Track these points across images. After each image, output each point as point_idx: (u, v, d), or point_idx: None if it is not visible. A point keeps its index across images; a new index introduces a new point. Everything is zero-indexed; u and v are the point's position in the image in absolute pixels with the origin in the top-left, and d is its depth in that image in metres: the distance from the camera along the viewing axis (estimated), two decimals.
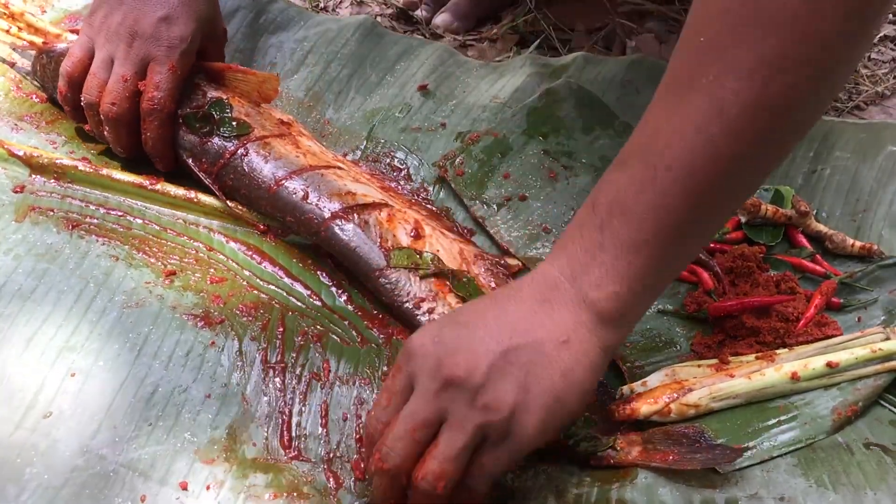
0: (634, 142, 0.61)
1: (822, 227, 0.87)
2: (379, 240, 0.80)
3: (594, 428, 0.70)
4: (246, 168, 0.84)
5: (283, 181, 0.82)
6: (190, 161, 0.86)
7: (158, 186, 0.86)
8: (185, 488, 0.66)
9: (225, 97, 0.88)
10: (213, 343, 0.75)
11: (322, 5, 1.25)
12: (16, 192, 0.85)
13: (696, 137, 0.57)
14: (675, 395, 0.71)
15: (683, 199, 0.59)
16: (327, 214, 0.81)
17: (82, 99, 0.86)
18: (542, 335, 0.61)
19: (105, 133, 0.87)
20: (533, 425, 0.59)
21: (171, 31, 0.84)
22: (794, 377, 0.72)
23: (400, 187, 0.92)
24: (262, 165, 0.84)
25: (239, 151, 0.84)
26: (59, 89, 0.88)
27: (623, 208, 0.60)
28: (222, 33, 0.95)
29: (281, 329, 0.77)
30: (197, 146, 0.86)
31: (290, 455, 0.69)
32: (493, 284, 0.80)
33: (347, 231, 0.80)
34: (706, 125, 0.57)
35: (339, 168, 0.86)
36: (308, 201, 0.81)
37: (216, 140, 0.85)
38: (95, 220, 0.84)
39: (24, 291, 0.76)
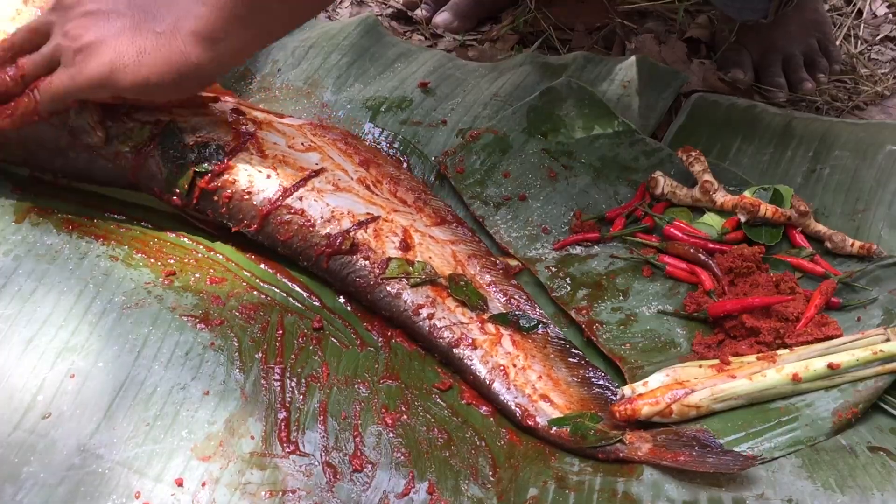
0: None
1: (821, 227, 0.87)
2: (370, 256, 0.79)
3: (601, 423, 0.71)
4: (224, 210, 0.81)
5: (265, 217, 0.80)
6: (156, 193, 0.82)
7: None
8: (180, 485, 0.66)
9: (164, 118, 0.82)
10: (212, 344, 0.75)
11: None
12: (15, 192, 0.85)
13: None
14: (677, 396, 0.71)
15: None
16: (314, 253, 0.80)
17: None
18: (146, 17, 0.74)
19: None
20: (90, 68, 0.73)
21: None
22: (796, 378, 0.72)
23: (382, 161, 0.89)
24: (239, 206, 0.81)
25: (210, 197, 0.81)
26: None
27: None
28: None
29: (280, 332, 0.77)
30: (163, 183, 0.82)
31: (288, 449, 0.69)
32: (489, 280, 0.80)
33: (340, 262, 0.79)
34: None
35: (314, 174, 0.83)
36: (292, 241, 0.80)
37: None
38: (95, 221, 0.84)
39: (23, 292, 0.76)
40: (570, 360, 0.77)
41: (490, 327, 0.77)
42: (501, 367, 0.74)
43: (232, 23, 0.73)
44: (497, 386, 0.74)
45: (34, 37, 0.77)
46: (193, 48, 0.73)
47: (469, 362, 0.75)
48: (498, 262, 0.83)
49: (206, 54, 0.74)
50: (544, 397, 0.73)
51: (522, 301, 0.80)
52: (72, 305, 0.76)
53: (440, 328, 0.76)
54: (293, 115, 0.91)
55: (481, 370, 0.74)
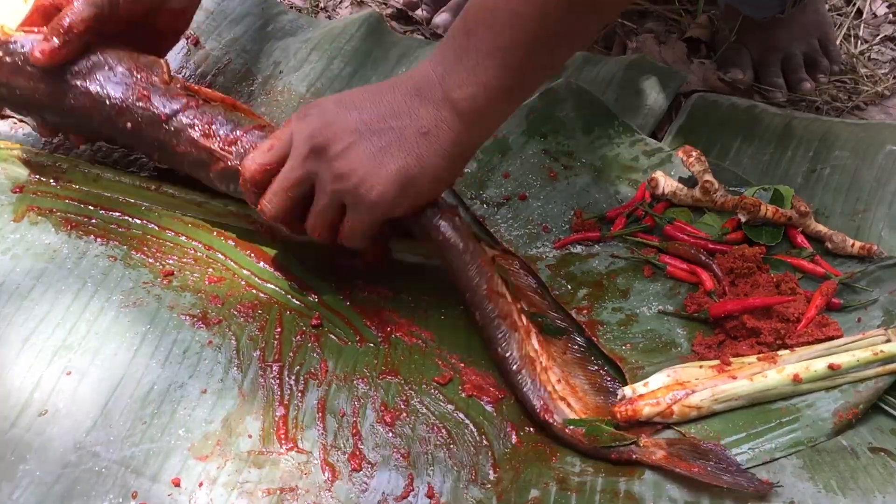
0: None
1: (821, 228, 0.87)
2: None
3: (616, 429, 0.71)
4: None
5: None
6: None
7: (155, 186, 0.86)
8: (177, 485, 0.65)
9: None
10: (210, 342, 0.75)
11: (322, 5, 1.25)
12: (15, 192, 0.84)
13: None
14: (678, 397, 0.71)
15: (539, 13, 0.67)
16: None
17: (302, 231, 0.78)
18: (406, 123, 0.71)
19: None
20: (379, 194, 0.71)
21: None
22: (796, 379, 0.72)
23: None
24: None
25: None
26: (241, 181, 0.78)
27: (487, 19, 0.69)
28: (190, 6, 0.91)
29: (279, 329, 0.77)
30: None
31: (287, 447, 0.69)
32: (522, 282, 0.82)
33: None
34: None
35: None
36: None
37: None
38: (94, 220, 0.83)
39: (21, 291, 0.76)
40: (590, 367, 0.78)
41: (525, 319, 0.77)
42: (531, 359, 0.75)
43: (497, 98, 0.71)
44: (524, 374, 0.74)
45: (297, 196, 0.73)
46: (465, 131, 0.71)
47: (508, 341, 0.75)
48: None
49: (475, 132, 0.73)
50: (563, 399, 0.73)
51: (546, 306, 0.81)
52: (69, 304, 0.76)
53: (496, 295, 0.76)
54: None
55: (515, 353, 0.75)
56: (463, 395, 0.74)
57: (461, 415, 0.73)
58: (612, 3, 0.74)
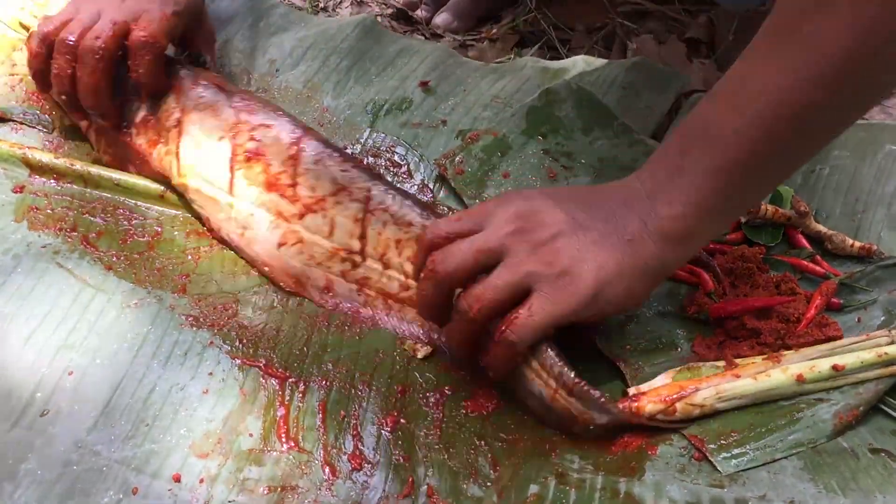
0: (727, 81, 0.66)
1: (821, 228, 0.87)
2: None
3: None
4: None
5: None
6: None
7: (159, 189, 0.86)
8: (177, 480, 0.66)
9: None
10: (211, 343, 0.75)
11: (322, 5, 1.25)
12: (15, 192, 0.85)
13: (788, 79, 0.61)
14: (681, 394, 0.71)
15: (765, 134, 0.63)
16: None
17: (60, 40, 0.84)
18: (612, 228, 0.68)
19: (67, 84, 0.85)
20: (578, 290, 0.66)
21: None
22: (800, 379, 0.72)
23: None
24: None
25: None
26: (29, 49, 0.87)
27: (706, 137, 0.65)
28: (209, 32, 0.96)
29: (280, 330, 0.77)
30: None
31: (287, 446, 0.69)
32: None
33: None
34: (801, 69, 0.61)
35: None
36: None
37: None
38: (95, 221, 0.83)
39: (23, 291, 0.76)
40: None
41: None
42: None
43: (706, 219, 0.68)
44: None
45: (483, 258, 0.67)
46: (668, 251, 0.68)
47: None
48: None
49: (679, 253, 0.70)
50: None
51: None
52: (70, 304, 0.76)
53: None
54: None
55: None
56: (463, 395, 0.74)
57: (461, 414, 0.73)
58: (833, 127, 0.67)
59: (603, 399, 0.70)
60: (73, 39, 0.83)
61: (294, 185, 0.80)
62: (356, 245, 0.79)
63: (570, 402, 0.70)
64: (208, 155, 0.83)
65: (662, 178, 0.68)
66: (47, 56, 0.85)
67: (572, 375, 0.69)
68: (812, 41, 0.60)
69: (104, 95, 0.85)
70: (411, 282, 0.77)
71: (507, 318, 0.66)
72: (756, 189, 0.69)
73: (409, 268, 0.77)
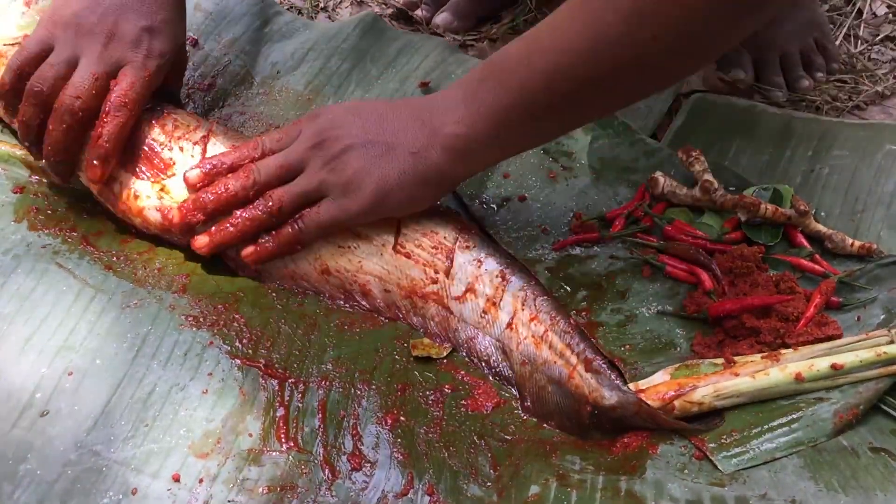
0: (532, 32, 0.74)
1: (821, 227, 0.87)
2: None
3: None
4: None
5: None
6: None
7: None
8: (177, 480, 0.66)
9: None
10: (210, 343, 0.75)
11: (322, 5, 1.25)
12: (15, 192, 0.85)
13: (571, 45, 0.71)
14: (680, 392, 0.71)
15: (544, 88, 0.72)
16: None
17: (30, 87, 0.79)
18: (401, 141, 0.77)
19: (34, 134, 0.81)
20: (361, 197, 0.76)
21: (152, 43, 0.81)
22: (798, 377, 0.72)
23: None
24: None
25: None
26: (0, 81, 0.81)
27: (500, 75, 0.74)
28: (183, 65, 0.93)
29: (280, 331, 0.77)
30: None
31: (287, 446, 0.69)
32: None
33: None
34: (578, 41, 0.70)
35: None
36: None
37: None
38: (96, 221, 0.84)
39: (23, 291, 0.76)
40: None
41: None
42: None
43: (484, 144, 0.76)
44: None
45: (285, 173, 0.78)
46: (448, 164, 0.77)
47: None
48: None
49: (458, 169, 0.78)
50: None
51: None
52: (70, 304, 0.76)
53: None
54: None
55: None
56: (463, 394, 0.74)
57: (461, 413, 0.73)
58: (622, 93, 0.75)
59: (616, 379, 0.74)
60: (45, 91, 0.79)
61: None
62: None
63: (584, 379, 0.73)
64: None
65: (459, 98, 0.76)
66: (15, 94, 0.81)
67: (594, 353, 0.76)
68: (591, 18, 0.69)
69: (73, 154, 0.81)
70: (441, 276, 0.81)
71: (301, 213, 0.78)
72: (532, 134, 0.78)
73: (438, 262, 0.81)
